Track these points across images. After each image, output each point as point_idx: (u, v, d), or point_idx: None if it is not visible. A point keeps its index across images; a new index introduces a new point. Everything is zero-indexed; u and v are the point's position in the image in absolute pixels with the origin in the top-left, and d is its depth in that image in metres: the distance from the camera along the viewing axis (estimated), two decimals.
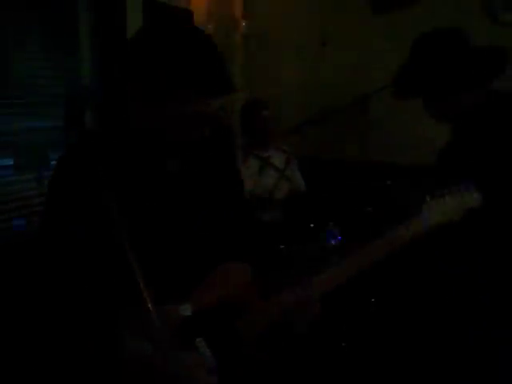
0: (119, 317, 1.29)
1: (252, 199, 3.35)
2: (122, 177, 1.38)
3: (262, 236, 1.73)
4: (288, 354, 1.54)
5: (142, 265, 1.26)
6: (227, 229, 1.52)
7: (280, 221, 3.51)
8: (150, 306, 1.15)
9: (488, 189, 1.72)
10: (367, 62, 3.86)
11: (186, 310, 1.37)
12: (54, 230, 1.38)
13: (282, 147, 3.64)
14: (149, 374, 1.24)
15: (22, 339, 2.27)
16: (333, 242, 2.75)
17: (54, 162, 2.92)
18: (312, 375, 2.41)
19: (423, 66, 2.01)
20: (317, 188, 3.66)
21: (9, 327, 2.37)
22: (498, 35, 3.17)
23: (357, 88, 3.49)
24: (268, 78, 4.11)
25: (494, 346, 1.89)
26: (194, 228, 1.46)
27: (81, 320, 1.32)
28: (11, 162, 2.74)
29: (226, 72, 1.35)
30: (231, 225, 1.54)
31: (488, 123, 1.95)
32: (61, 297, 1.35)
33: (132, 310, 1.21)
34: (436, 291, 2.08)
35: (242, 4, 4.31)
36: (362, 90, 3.41)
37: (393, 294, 2.89)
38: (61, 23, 2.95)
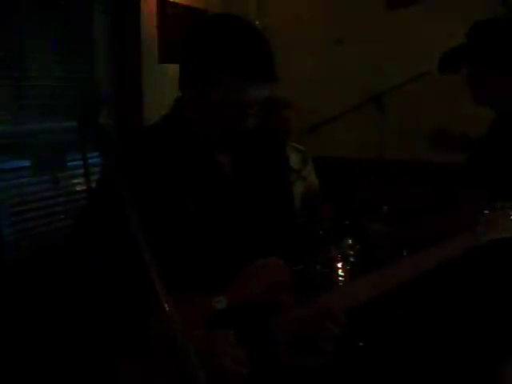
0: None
1: None
2: (164, 177, 1.38)
3: (301, 238, 1.71)
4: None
5: (181, 257, 1.30)
6: (272, 228, 1.51)
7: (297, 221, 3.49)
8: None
9: None
10: (382, 59, 3.82)
11: (221, 302, 1.36)
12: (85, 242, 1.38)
13: (297, 147, 3.61)
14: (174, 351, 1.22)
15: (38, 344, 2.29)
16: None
17: (70, 163, 2.93)
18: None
19: (477, 47, 2.00)
20: (332, 187, 3.63)
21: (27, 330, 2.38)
22: None
23: (372, 86, 3.46)
24: (282, 76, 4.08)
25: None
26: (242, 225, 1.46)
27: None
28: (27, 164, 2.75)
29: (272, 61, 1.34)
30: (276, 224, 1.53)
31: None
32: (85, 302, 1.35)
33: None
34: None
35: (256, 3, 4.29)
36: (378, 87, 3.38)
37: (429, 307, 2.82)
38: (75, 24, 2.96)
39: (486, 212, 1.54)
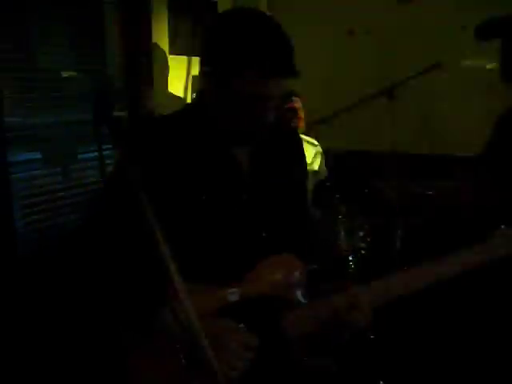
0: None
1: None
2: (181, 169, 1.38)
3: (316, 234, 1.71)
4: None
5: (194, 247, 1.31)
6: (287, 223, 1.51)
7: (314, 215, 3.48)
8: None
9: None
10: (394, 51, 3.79)
11: (234, 294, 1.36)
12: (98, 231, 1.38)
13: (309, 140, 3.59)
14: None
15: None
16: None
17: (80, 156, 2.93)
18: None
19: None
20: (344, 180, 3.61)
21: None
22: None
23: (384, 78, 3.43)
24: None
25: None
26: (256, 219, 1.46)
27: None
28: (38, 156, 2.76)
29: (293, 56, 1.35)
30: (292, 220, 1.53)
31: None
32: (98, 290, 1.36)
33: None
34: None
35: None
36: (390, 80, 3.35)
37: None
38: (87, 17, 2.95)
39: (503, 227, 1.56)
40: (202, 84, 1.43)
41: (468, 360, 2.39)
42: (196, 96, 1.51)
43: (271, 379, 1.40)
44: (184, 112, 1.51)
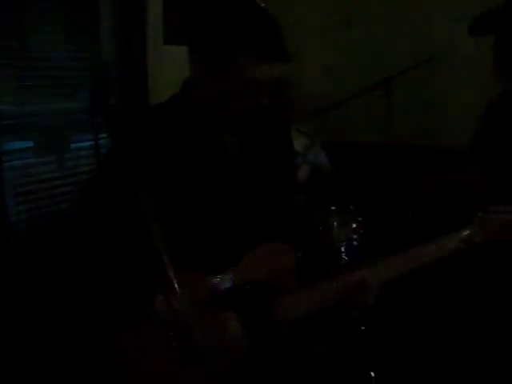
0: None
1: None
2: (173, 157, 1.39)
3: (304, 222, 1.73)
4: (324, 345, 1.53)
5: (186, 234, 1.32)
6: (276, 211, 1.53)
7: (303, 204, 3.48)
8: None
9: None
10: (392, 43, 3.79)
11: (226, 280, 1.37)
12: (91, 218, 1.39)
13: (302, 130, 3.59)
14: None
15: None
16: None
17: (74, 145, 2.92)
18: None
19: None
20: (339, 171, 3.62)
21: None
22: None
23: (382, 70, 3.43)
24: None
25: None
26: (247, 207, 1.47)
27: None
28: (31, 145, 2.75)
29: (284, 40, 1.36)
30: (280, 208, 1.55)
31: None
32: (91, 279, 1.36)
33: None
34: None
35: None
36: (387, 71, 3.35)
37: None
38: (81, 4, 2.93)
39: (480, 214, 1.62)
40: (192, 71, 1.42)
41: (461, 352, 2.41)
42: (183, 85, 1.49)
43: (265, 366, 1.41)
44: (172, 102, 1.50)
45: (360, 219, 2.91)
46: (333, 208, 3.05)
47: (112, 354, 1.37)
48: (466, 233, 1.60)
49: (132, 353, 1.36)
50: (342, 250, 2.69)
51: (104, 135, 1.11)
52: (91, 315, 1.42)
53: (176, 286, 1.05)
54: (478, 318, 2.38)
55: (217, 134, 1.45)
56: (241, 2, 1.36)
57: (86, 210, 1.41)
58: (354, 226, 2.93)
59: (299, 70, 3.89)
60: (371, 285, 1.48)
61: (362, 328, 2.92)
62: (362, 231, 2.93)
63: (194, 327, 1.04)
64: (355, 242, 2.86)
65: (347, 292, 1.46)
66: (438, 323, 2.73)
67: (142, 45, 3.18)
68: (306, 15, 4.07)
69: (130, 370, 1.36)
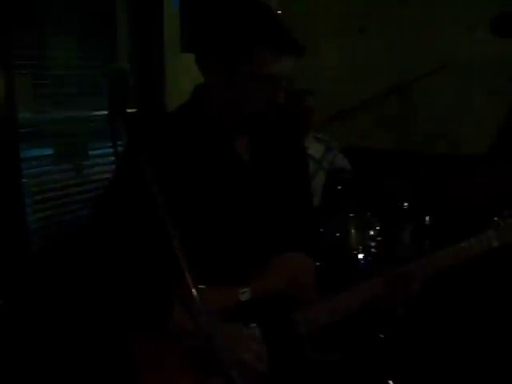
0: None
1: None
2: (186, 164, 1.38)
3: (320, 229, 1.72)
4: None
5: (199, 242, 1.31)
6: (289, 217, 1.51)
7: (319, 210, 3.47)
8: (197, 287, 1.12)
9: None
10: (407, 48, 3.77)
11: (245, 293, 1.36)
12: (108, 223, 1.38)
13: (317, 136, 3.58)
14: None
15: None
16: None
17: (92, 152, 2.94)
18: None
19: None
20: (356, 177, 3.60)
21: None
22: None
23: (397, 76, 3.42)
24: (306, 65, 4.06)
25: None
26: (259, 212, 1.45)
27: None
28: (50, 152, 2.77)
29: (293, 33, 1.34)
30: (295, 215, 1.53)
31: None
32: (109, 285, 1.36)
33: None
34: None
35: None
36: (403, 77, 3.34)
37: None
38: (97, 12, 2.95)
39: (496, 219, 1.59)
40: (204, 77, 1.40)
41: (473, 358, 2.39)
42: (194, 92, 1.48)
43: (284, 376, 1.40)
44: (184, 109, 1.49)
45: (378, 226, 2.90)
46: (351, 215, 3.04)
47: (129, 365, 1.37)
48: (484, 237, 1.57)
49: (148, 364, 1.35)
50: (360, 256, 2.68)
51: (122, 142, 1.11)
52: (109, 324, 1.42)
53: (196, 297, 1.05)
54: (496, 323, 2.35)
55: (225, 140, 1.43)
56: (247, 3, 1.35)
57: (104, 215, 1.40)
58: (372, 233, 2.91)
59: (314, 76, 3.89)
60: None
61: (381, 336, 2.91)
62: (379, 238, 2.92)
63: (215, 340, 1.03)
64: (373, 250, 2.85)
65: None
66: (456, 329, 2.70)
67: (159, 52, 3.20)
68: (320, 23, 4.07)
69: (145, 381, 1.35)
